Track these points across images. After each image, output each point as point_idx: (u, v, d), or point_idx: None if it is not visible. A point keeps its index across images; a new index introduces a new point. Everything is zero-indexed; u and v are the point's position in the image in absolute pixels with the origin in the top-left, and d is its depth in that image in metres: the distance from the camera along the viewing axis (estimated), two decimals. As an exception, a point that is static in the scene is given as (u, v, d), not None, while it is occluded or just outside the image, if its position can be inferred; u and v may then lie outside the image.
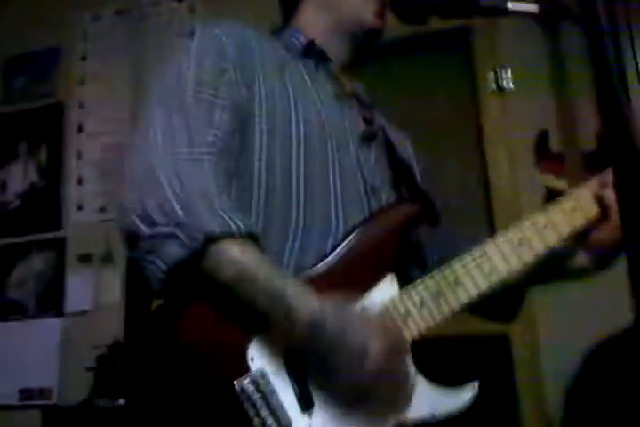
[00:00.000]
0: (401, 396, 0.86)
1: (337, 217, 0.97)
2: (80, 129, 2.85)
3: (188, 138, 0.89)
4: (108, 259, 2.68)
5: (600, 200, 1.00)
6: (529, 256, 0.96)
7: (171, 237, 0.82)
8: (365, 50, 1.15)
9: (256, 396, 0.81)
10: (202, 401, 0.82)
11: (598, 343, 1.98)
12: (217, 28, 1.01)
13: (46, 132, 2.90)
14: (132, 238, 0.86)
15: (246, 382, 0.82)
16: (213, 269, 0.83)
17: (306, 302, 0.82)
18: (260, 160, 0.95)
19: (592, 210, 1.00)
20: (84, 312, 2.64)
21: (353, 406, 0.84)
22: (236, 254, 0.82)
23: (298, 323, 0.81)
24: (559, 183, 2.29)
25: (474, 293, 0.93)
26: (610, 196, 0.98)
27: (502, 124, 2.29)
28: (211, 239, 0.81)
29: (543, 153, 2.26)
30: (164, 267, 0.82)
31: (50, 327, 2.66)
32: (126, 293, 2.60)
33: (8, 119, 2.99)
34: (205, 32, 1.01)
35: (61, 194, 2.82)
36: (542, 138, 2.27)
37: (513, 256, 0.95)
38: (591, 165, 2.25)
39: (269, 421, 0.81)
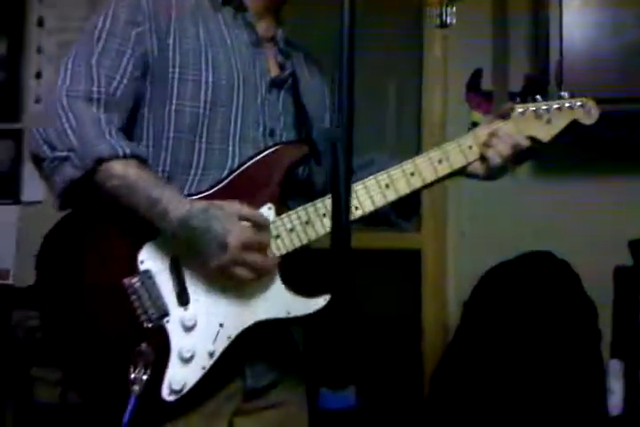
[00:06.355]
0: (258, 293, 1.06)
1: (233, 155, 1.15)
2: (40, 23, 2.87)
3: (89, 79, 1.08)
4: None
5: (484, 145, 1.16)
6: (392, 197, 1.13)
7: (66, 159, 1.02)
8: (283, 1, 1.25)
9: (141, 290, 1.04)
10: (99, 293, 1.05)
11: (496, 265, 2.25)
12: None
13: (6, 24, 2.90)
14: (38, 159, 1.07)
15: (135, 279, 1.05)
16: (101, 184, 1.03)
17: (178, 205, 1.01)
18: (171, 105, 1.12)
19: (474, 155, 1.17)
20: (39, 202, 2.79)
21: (220, 298, 1.05)
22: (118, 171, 1.02)
23: (172, 222, 1.00)
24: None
25: None
26: (496, 144, 1.14)
27: (441, 60, 2.41)
28: (99, 161, 1.01)
29: (474, 90, 2.42)
30: (61, 184, 1.03)
31: (8, 214, 2.83)
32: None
33: (-32, 9, 2.97)
34: None
35: (21, 86, 2.88)
36: (476, 76, 2.41)
37: (378, 195, 1.12)
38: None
39: (150, 310, 1.04)
